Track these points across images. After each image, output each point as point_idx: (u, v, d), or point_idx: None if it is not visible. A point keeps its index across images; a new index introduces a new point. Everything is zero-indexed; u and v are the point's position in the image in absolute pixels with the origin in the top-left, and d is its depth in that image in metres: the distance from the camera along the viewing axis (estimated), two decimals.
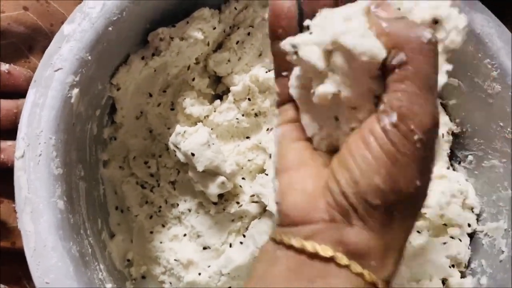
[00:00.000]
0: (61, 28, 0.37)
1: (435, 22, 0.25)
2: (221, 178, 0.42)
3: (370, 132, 0.24)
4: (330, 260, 0.24)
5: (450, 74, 0.44)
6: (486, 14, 0.41)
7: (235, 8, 0.45)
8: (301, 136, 0.28)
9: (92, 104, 0.40)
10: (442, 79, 0.25)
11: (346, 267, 0.24)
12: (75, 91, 0.36)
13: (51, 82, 0.35)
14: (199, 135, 0.42)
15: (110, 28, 0.38)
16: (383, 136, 0.24)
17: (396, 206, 0.24)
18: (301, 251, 0.25)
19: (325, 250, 0.24)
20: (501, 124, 0.41)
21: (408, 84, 0.23)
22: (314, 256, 0.24)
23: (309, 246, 0.24)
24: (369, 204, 0.24)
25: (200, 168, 0.41)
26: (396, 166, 0.23)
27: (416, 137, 0.23)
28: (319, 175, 0.26)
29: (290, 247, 0.25)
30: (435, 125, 0.24)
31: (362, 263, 0.24)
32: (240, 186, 0.45)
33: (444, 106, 0.47)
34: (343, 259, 0.24)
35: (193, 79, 0.46)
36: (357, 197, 0.24)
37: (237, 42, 0.46)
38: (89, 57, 0.37)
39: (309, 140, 0.28)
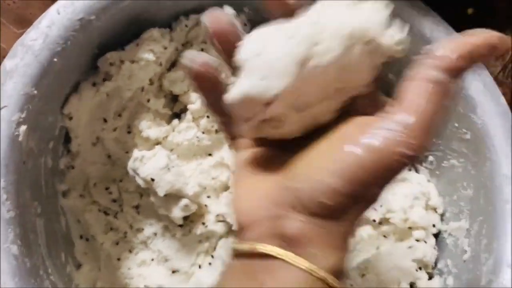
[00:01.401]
0: (2, 64, 0.35)
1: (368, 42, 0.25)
2: (184, 201, 0.42)
3: (351, 136, 0.24)
4: (274, 256, 0.24)
5: (403, 76, 0.46)
6: (434, 17, 0.41)
7: (186, 26, 0.45)
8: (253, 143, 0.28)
9: (44, 138, 0.39)
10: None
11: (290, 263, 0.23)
12: (23, 128, 0.35)
13: None
14: (158, 159, 0.41)
15: (55, 59, 0.37)
16: (371, 144, 0.23)
17: (348, 207, 0.23)
18: (251, 254, 0.24)
19: (264, 247, 0.24)
20: (456, 125, 0.42)
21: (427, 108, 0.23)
22: (264, 256, 0.24)
23: (246, 247, 0.24)
24: (320, 204, 0.23)
25: (161, 193, 0.41)
26: (367, 174, 0.23)
27: (409, 155, 0.22)
28: (266, 179, 0.26)
29: (241, 253, 0.25)
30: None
31: (302, 251, 0.23)
32: (206, 206, 0.44)
33: None
34: (279, 252, 0.23)
35: (148, 101, 0.45)
36: (311, 194, 0.23)
37: None
38: (35, 92, 0.36)
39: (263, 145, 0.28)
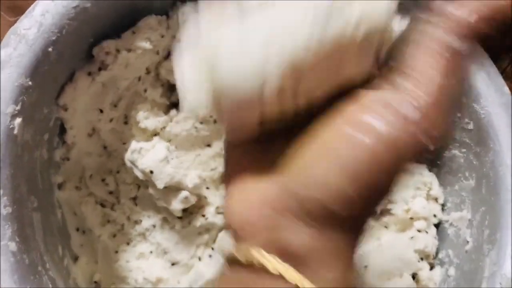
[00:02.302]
0: None
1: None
2: (183, 193, 0.41)
3: (357, 123, 0.19)
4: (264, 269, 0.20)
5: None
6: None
7: (183, 13, 0.43)
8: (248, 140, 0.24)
9: (39, 130, 0.38)
10: None
11: (281, 276, 0.20)
12: (18, 120, 0.34)
13: None
14: (157, 151, 0.40)
15: (50, 49, 0.35)
16: (383, 132, 0.19)
17: (362, 213, 0.20)
18: (247, 265, 0.21)
19: (259, 259, 0.20)
20: (459, 114, 0.41)
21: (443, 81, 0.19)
22: (261, 268, 0.20)
23: (242, 255, 0.21)
24: (328, 211, 0.20)
25: (160, 185, 0.40)
26: (380, 171, 0.19)
27: (429, 146, 0.19)
28: (263, 181, 0.22)
29: (236, 262, 0.21)
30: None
31: (305, 271, 0.20)
32: (205, 197, 0.43)
33: None
34: (275, 266, 0.20)
35: (145, 90, 0.44)
36: (314, 200, 0.20)
37: None
38: (30, 83, 0.34)
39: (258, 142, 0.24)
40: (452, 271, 0.41)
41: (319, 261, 0.20)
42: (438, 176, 0.45)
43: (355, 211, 0.20)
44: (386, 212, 0.43)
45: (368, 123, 0.19)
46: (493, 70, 0.39)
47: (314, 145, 0.21)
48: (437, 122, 0.19)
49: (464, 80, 0.20)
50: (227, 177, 0.24)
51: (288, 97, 0.22)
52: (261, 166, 0.22)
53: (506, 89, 0.39)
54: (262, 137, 0.23)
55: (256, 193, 0.22)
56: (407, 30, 0.22)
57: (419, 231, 0.43)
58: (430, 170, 0.46)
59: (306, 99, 0.22)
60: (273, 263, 0.20)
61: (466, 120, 0.41)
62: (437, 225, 0.44)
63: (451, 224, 0.43)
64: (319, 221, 0.20)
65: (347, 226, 0.20)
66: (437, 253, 0.43)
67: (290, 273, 0.20)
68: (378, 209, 0.43)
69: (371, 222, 0.43)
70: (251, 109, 0.22)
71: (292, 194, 0.20)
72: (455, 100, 0.20)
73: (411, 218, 0.43)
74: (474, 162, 0.40)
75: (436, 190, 0.44)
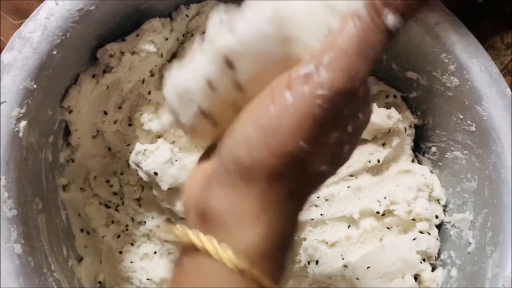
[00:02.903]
0: (0, 57, 0.34)
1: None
2: None
3: (270, 88, 0.22)
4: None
5: (408, 67, 0.45)
6: (440, 8, 0.40)
7: (187, 16, 0.44)
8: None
9: (44, 132, 0.38)
10: None
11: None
12: (23, 123, 0.34)
13: None
14: (161, 153, 0.40)
15: (54, 52, 0.36)
16: (282, 86, 0.21)
17: (268, 166, 0.21)
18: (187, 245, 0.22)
19: (187, 232, 0.22)
20: (461, 116, 0.41)
21: (341, 41, 0.21)
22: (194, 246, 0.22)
23: (176, 235, 0.23)
24: (236, 160, 0.21)
25: (164, 187, 0.40)
26: (279, 119, 0.21)
27: (320, 92, 0.20)
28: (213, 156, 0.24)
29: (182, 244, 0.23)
30: (350, 93, 0.21)
31: (218, 225, 0.21)
32: None
33: (405, 99, 0.47)
34: (200, 242, 0.21)
35: (149, 93, 0.44)
36: (228, 153, 0.22)
37: None
38: (35, 85, 0.35)
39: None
40: (454, 272, 0.41)
41: (235, 220, 0.21)
42: (440, 177, 0.45)
43: (261, 158, 0.21)
44: (388, 213, 0.44)
45: (275, 87, 0.21)
46: (495, 71, 0.39)
47: (241, 116, 0.23)
48: (333, 75, 0.21)
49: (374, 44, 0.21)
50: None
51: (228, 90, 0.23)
52: (214, 151, 0.24)
53: (508, 91, 0.39)
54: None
55: (202, 171, 0.24)
56: None
57: (421, 232, 0.43)
58: (432, 172, 0.46)
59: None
60: (198, 239, 0.21)
61: (468, 122, 0.41)
62: (439, 227, 0.44)
63: (453, 226, 0.43)
64: (234, 176, 0.21)
65: (263, 177, 0.21)
66: (439, 254, 0.44)
67: (210, 247, 0.21)
68: (380, 210, 0.43)
69: (373, 223, 0.43)
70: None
71: (219, 159, 0.22)
72: (357, 59, 0.21)
73: (413, 220, 0.43)
74: (476, 164, 0.41)
75: (438, 191, 0.44)
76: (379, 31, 0.21)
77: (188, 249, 0.22)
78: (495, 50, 0.45)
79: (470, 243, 0.40)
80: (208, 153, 0.26)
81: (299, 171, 0.22)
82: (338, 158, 0.23)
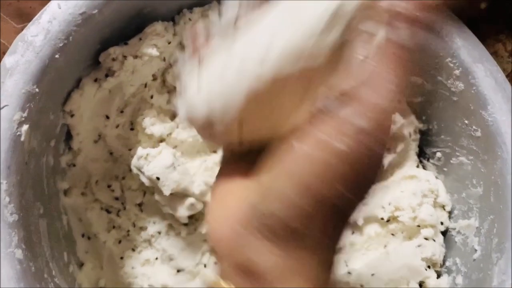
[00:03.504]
0: (2, 61, 0.34)
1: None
2: (190, 200, 0.41)
3: (315, 141, 0.20)
4: None
5: (413, 72, 0.45)
6: (446, 13, 0.40)
7: (190, 19, 0.43)
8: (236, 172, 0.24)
9: (46, 136, 0.38)
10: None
11: None
12: (25, 127, 0.34)
13: None
14: (163, 158, 0.40)
15: (57, 56, 0.35)
16: (334, 146, 0.19)
17: (320, 233, 0.20)
18: None
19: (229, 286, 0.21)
20: (466, 121, 0.41)
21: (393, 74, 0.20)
22: None
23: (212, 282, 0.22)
24: (288, 227, 0.20)
25: (166, 192, 0.40)
26: (323, 173, 0.19)
27: (376, 150, 0.19)
28: (238, 193, 0.23)
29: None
30: (385, 145, 0.20)
31: (263, 282, 0.20)
32: None
33: (410, 104, 0.47)
34: None
35: (152, 97, 0.44)
36: (275, 217, 0.20)
37: None
38: (37, 89, 0.34)
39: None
40: (459, 279, 0.41)
41: (282, 280, 0.20)
42: (445, 183, 0.45)
43: (314, 226, 0.20)
44: (393, 219, 0.43)
45: (319, 139, 0.19)
46: (500, 76, 0.39)
47: (274, 164, 0.21)
48: (386, 126, 0.19)
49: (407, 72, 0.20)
50: (212, 192, 0.25)
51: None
52: (241, 185, 0.23)
53: None
54: (250, 158, 0.23)
55: (231, 210, 0.22)
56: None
57: (426, 239, 0.42)
58: (437, 177, 0.45)
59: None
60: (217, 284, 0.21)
61: (474, 127, 0.40)
62: (444, 233, 0.44)
63: (458, 232, 0.43)
64: (281, 237, 0.20)
65: (310, 244, 0.20)
66: (444, 261, 0.43)
67: None
68: (385, 216, 0.43)
69: (378, 229, 0.43)
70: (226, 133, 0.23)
71: (256, 212, 0.21)
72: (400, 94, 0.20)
73: (418, 226, 0.43)
74: (482, 170, 0.40)
75: (443, 197, 0.44)
76: (408, 51, 0.20)
77: None
78: (498, 57, 0.45)
79: (476, 250, 0.40)
80: (222, 177, 0.24)
81: (344, 223, 0.21)
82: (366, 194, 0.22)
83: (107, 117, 0.43)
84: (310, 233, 0.20)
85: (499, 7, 0.44)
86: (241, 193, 0.22)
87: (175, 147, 0.44)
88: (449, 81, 0.41)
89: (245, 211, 0.21)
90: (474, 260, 0.40)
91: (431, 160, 0.46)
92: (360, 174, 0.20)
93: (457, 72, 0.40)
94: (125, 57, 0.41)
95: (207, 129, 0.24)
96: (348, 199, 0.20)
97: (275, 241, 0.20)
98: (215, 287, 0.22)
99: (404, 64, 0.20)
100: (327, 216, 0.20)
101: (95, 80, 0.41)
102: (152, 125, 0.43)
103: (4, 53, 0.34)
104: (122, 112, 0.44)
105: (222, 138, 0.24)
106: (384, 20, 0.20)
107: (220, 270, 0.23)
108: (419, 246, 0.42)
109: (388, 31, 0.20)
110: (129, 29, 0.41)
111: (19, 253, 0.31)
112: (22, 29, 0.35)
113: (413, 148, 0.46)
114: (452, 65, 0.40)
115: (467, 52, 0.39)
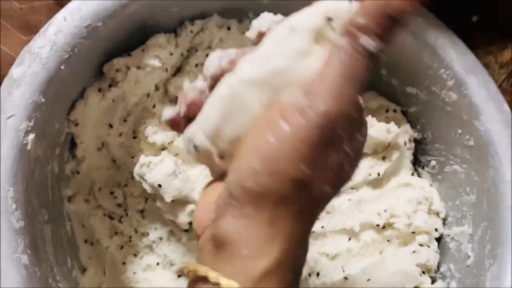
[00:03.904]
0: (9, 72, 0.35)
1: (329, 19, 0.25)
2: (191, 206, 0.42)
3: (265, 119, 0.23)
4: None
5: (407, 83, 0.46)
6: (439, 25, 0.41)
7: (191, 31, 0.45)
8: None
9: (51, 145, 0.39)
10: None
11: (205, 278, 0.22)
12: (31, 136, 0.35)
13: (4, 131, 0.34)
14: (165, 165, 0.41)
15: (62, 67, 0.37)
16: (278, 117, 0.23)
17: (274, 191, 0.22)
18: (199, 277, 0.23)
19: (200, 268, 0.23)
20: (460, 131, 0.42)
21: (328, 71, 0.23)
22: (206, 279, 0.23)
23: (188, 270, 0.24)
24: (244, 188, 0.22)
25: (168, 199, 0.41)
26: (280, 148, 0.22)
27: (315, 120, 0.22)
28: (219, 184, 0.26)
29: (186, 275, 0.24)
30: (342, 122, 0.23)
31: (232, 252, 0.22)
32: None
33: (405, 113, 0.48)
34: (211, 275, 0.22)
35: (154, 106, 0.45)
36: (235, 183, 0.23)
37: (196, 65, 0.45)
38: (43, 99, 0.36)
39: None
40: (453, 285, 0.42)
41: (240, 241, 0.22)
42: (439, 191, 0.46)
43: (264, 184, 0.22)
44: (388, 226, 0.44)
45: (276, 120, 0.23)
46: (492, 87, 0.40)
47: (243, 146, 0.24)
48: (324, 101, 0.22)
49: (359, 68, 0.23)
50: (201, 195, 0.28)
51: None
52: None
53: (506, 106, 0.40)
54: None
55: (210, 200, 0.25)
56: None
57: (421, 245, 0.43)
58: (431, 185, 0.47)
59: None
60: (209, 273, 0.22)
61: (467, 136, 0.41)
62: (438, 239, 0.45)
63: (452, 239, 0.44)
64: (242, 200, 0.23)
65: (263, 204, 0.22)
66: (438, 267, 0.44)
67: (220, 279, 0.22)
68: (381, 222, 0.44)
69: (374, 236, 0.44)
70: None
71: (226, 187, 0.24)
72: (347, 84, 0.23)
73: (413, 232, 0.44)
74: (475, 178, 0.41)
75: (438, 204, 0.45)
76: (361, 55, 0.23)
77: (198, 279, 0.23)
78: (489, 69, 0.46)
79: (469, 256, 0.41)
80: (213, 182, 0.27)
81: (304, 194, 0.23)
82: (340, 178, 0.24)
83: (111, 126, 0.44)
84: (263, 192, 0.22)
85: (490, 19, 0.45)
86: (215, 188, 0.26)
87: (176, 155, 0.45)
88: (442, 92, 0.42)
89: (220, 192, 0.24)
90: (468, 266, 0.40)
91: (425, 168, 0.47)
92: (313, 148, 0.22)
93: (450, 83, 0.41)
94: (128, 68, 0.42)
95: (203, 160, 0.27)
96: (306, 172, 0.22)
97: (236, 206, 0.23)
98: (189, 269, 0.24)
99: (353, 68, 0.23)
100: (276, 176, 0.22)
101: (99, 90, 0.42)
102: (154, 133, 0.44)
103: (11, 65, 0.35)
104: (125, 121, 0.45)
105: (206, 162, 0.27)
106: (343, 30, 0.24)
107: (199, 259, 0.24)
108: (414, 252, 0.43)
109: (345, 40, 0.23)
110: (132, 41, 0.42)
111: (25, 259, 0.32)
112: (29, 41, 0.36)
113: (408, 156, 0.47)
114: (445, 76, 0.41)
115: (460, 64, 0.41)
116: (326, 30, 0.25)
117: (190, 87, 0.28)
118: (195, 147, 0.27)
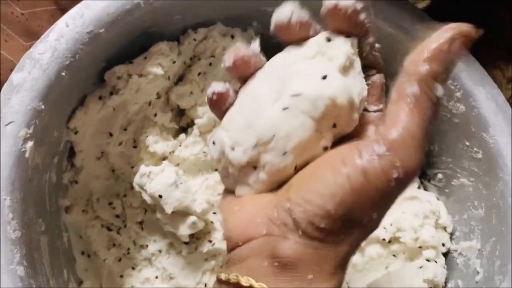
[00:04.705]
0: (9, 78, 0.34)
1: (328, 40, 0.27)
2: (191, 218, 0.41)
3: (342, 159, 0.24)
4: None
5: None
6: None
7: (194, 39, 0.44)
8: None
9: (49, 153, 0.38)
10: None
11: None
12: (29, 144, 0.34)
13: (2, 138, 0.33)
14: (166, 175, 0.40)
15: (63, 73, 0.36)
16: (357, 164, 0.23)
17: (343, 231, 0.23)
18: (235, 284, 0.24)
19: (247, 281, 0.23)
20: (467, 143, 0.41)
21: (405, 121, 0.23)
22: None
23: (232, 277, 0.24)
24: (314, 225, 0.23)
25: (168, 210, 0.40)
26: (357, 196, 0.23)
27: (395, 175, 0.23)
28: (259, 196, 0.26)
29: (225, 282, 0.24)
30: (418, 171, 0.24)
31: (296, 275, 0.23)
32: (212, 222, 0.43)
33: None
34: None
35: (155, 115, 0.44)
36: (303, 215, 0.23)
37: (199, 74, 0.45)
38: (43, 106, 0.35)
39: None
40: None
41: (306, 267, 0.23)
42: (446, 204, 0.45)
43: (336, 226, 0.23)
44: (395, 240, 0.43)
45: (347, 158, 0.23)
46: (501, 99, 0.40)
47: (308, 175, 0.25)
48: (405, 157, 0.23)
49: (433, 115, 0.24)
50: (222, 206, 0.28)
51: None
52: (254, 196, 0.27)
53: None
54: None
55: (256, 206, 0.25)
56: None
57: (428, 260, 0.42)
58: (438, 199, 0.46)
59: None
60: (247, 281, 0.23)
61: (475, 149, 0.41)
62: (445, 254, 0.44)
63: (460, 254, 0.43)
64: (307, 233, 0.23)
65: (333, 240, 0.23)
66: (446, 283, 0.43)
67: None
68: (387, 237, 0.43)
69: (379, 250, 0.43)
70: None
71: (286, 211, 0.24)
72: (425, 133, 0.23)
73: (420, 247, 0.43)
74: (484, 192, 0.40)
75: (445, 218, 0.44)
76: (433, 103, 0.24)
77: None
78: (496, 83, 0.45)
79: (478, 272, 0.40)
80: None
81: (364, 235, 0.25)
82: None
83: (111, 135, 0.43)
84: (330, 230, 0.23)
85: (498, 34, 0.45)
86: (257, 200, 0.26)
87: (177, 165, 0.44)
88: (450, 103, 0.42)
89: (273, 209, 0.24)
90: (477, 282, 0.39)
91: (432, 181, 0.47)
92: (372, 190, 0.23)
93: (458, 94, 0.41)
94: (130, 75, 0.41)
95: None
96: (374, 216, 0.24)
97: (300, 235, 0.23)
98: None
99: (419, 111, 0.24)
100: (345, 218, 0.23)
101: (100, 98, 0.41)
102: (155, 143, 0.43)
103: (11, 70, 0.35)
104: (125, 129, 0.44)
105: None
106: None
107: (245, 271, 0.24)
108: (420, 267, 0.41)
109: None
110: (134, 48, 0.41)
111: (20, 270, 0.31)
112: (30, 47, 0.35)
113: None
114: (453, 87, 0.41)
115: (468, 75, 0.40)
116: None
117: (244, 46, 0.28)
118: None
